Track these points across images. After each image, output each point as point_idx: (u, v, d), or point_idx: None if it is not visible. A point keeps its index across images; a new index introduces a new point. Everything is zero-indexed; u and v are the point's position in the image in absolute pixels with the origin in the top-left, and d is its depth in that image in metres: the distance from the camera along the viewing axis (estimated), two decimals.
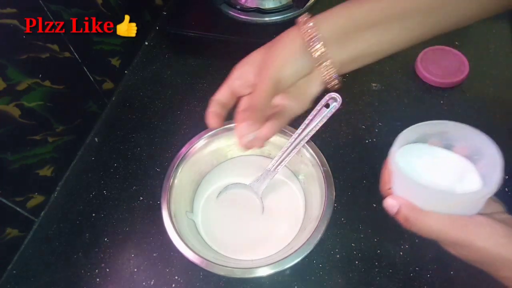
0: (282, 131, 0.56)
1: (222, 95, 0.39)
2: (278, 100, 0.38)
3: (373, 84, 0.65)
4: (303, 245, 0.46)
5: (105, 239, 0.53)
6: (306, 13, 0.35)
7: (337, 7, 0.35)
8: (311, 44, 0.34)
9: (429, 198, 0.31)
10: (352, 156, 0.57)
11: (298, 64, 0.35)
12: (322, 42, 0.33)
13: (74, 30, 0.55)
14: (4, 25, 0.45)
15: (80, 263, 0.51)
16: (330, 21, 0.34)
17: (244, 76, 0.37)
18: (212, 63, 0.70)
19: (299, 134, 0.47)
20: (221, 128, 0.54)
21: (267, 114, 0.37)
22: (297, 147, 0.48)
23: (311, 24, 0.34)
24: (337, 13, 0.34)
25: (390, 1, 0.33)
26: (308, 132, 0.46)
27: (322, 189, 0.49)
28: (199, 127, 0.55)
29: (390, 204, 0.32)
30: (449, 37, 0.69)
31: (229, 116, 0.63)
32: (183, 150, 0.53)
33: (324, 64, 0.35)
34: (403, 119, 0.61)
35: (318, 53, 0.34)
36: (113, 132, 0.63)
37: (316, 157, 0.51)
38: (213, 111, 0.39)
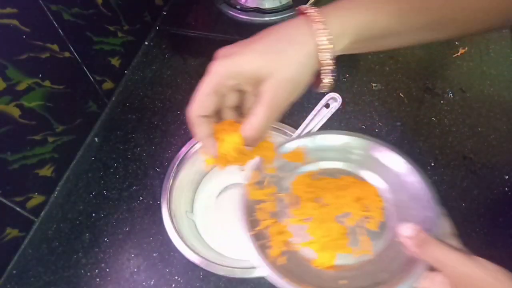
0: (282, 131, 0.56)
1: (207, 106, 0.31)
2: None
3: (373, 84, 0.65)
4: None
5: (105, 239, 0.53)
6: (314, 9, 0.30)
7: (352, 9, 0.30)
8: (325, 67, 0.29)
9: None
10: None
11: (306, 84, 0.30)
12: (332, 60, 0.29)
13: (74, 30, 0.55)
14: (4, 25, 0.45)
15: (80, 263, 0.51)
16: (346, 30, 0.29)
17: (236, 81, 0.30)
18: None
19: (299, 134, 0.47)
20: None
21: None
22: None
23: (325, 40, 0.28)
24: (355, 19, 0.30)
25: (407, 14, 0.30)
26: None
27: None
28: None
29: (407, 226, 0.30)
30: None
31: None
32: (183, 150, 0.54)
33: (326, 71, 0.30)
34: (403, 119, 0.61)
35: (328, 74, 0.30)
36: (113, 132, 0.63)
37: None
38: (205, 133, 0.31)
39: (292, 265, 0.35)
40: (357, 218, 0.37)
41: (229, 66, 0.28)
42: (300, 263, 0.36)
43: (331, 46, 0.28)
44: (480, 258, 0.28)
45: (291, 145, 0.42)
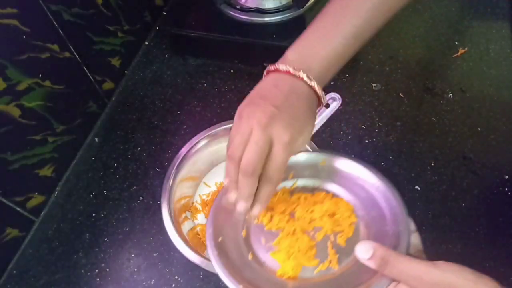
0: None
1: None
2: None
3: (373, 84, 0.65)
4: None
5: (105, 239, 0.53)
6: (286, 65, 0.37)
7: (316, 39, 0.38)
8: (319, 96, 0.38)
9: None
10: (352, 156, 0.57)
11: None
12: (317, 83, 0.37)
13: (74, 30, 0.55)
14: (4, 25, 0.45)
15: (80, 263, 0.51)
16: (318, 60, 0.38)
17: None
18: (212, 63, 0.70)
19: None
20: (221, 128, 0.54)
21: None
22: None
23: (304, 76, 0.37)
24: (322, 48, 0.38)
25: (362, 21, 0.38)
26: None
27: None
28: (199, 127, 0.55)
29: (364, 247, 0.30)
30: (449, 37, 0.69)
31: (230, 116, 0.62)
32: (183, 150, 0.53)
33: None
34: (403, 119, 0.61)
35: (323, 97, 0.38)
36: (113, 132, 0.63)
37: None
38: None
39: (254, 275, 0.36)
40: (327, 233, 0.37)
41: (268, 135, 0.36)
42: (263, 273, 0.36)
43: (322, 91, 0.38)
44: (442, 262, 0.27)
45: None
